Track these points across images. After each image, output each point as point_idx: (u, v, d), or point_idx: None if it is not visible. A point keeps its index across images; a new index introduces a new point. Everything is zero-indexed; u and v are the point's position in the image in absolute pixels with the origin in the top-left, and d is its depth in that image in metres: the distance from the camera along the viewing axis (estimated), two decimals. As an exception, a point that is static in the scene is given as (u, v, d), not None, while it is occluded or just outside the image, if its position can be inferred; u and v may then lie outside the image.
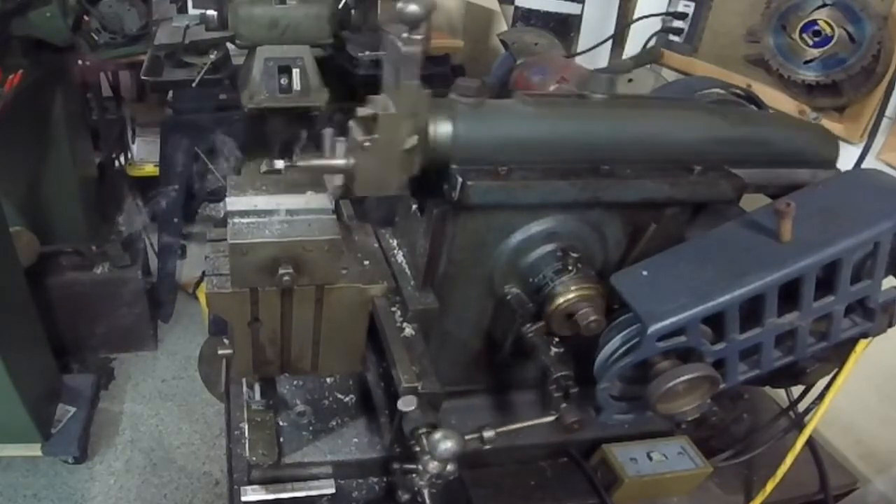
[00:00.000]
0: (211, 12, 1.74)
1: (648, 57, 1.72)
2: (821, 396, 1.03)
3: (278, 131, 1.80)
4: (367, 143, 0.77)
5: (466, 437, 0.88)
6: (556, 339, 0.92)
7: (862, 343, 0.93)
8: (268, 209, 0.81)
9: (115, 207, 2.76)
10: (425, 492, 0.84)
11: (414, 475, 0.85)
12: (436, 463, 0.80)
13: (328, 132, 0.79)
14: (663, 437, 1.11)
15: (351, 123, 0.81)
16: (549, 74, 1.47)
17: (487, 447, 0.87)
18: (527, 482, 1.08)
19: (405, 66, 0.75)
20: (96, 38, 2.06)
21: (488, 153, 0.86)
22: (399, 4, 0.73)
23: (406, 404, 0.83)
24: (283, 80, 1.71)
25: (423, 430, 0.85)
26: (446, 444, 0.78)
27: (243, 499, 0.98)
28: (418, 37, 0.75)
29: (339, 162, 0.79)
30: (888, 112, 1.29)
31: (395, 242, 1.09)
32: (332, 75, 1.85)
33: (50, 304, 2.27)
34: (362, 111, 0.79)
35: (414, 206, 0.98)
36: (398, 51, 0.75)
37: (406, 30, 0.75)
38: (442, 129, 0.83)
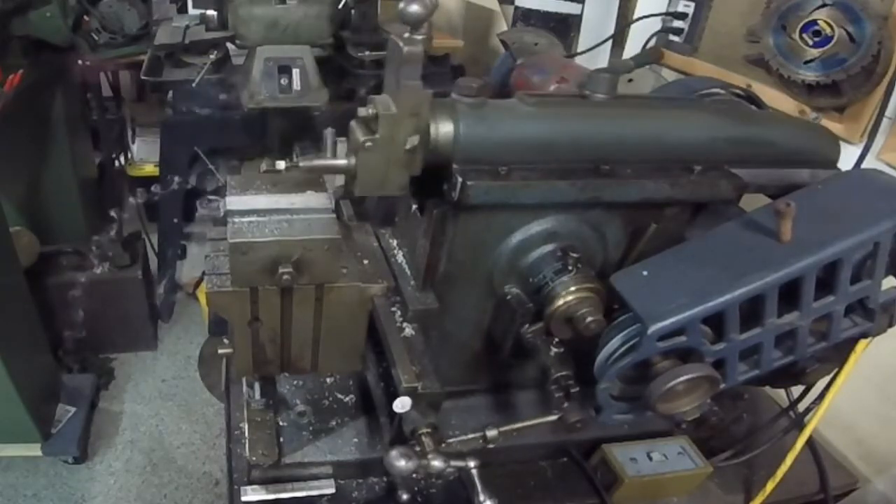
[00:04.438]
0: (211, 12, 1.74)
1: (649, 57, 1.72)
2: (821, 396, 1.03)
3: (278, 131, 1.81)
4: (368, 143, 0.77)
5: (469, 437, 0.88)
6: (556, 340, 0.92)
7: (862, 343, 0.93)
8: (268, 208, 0.81)
9: (114, 207, 2.76)
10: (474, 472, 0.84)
11: (415, 475, 0.85)
12: (437, 463, 0.80)
13: (329, 132, 0.80)
14: (663, 437, 1.11)
15: (352, 123, 0.81)
16: (549, 74, 1.47)
17: (491, 446, 0.88)
18: (527, 482, 1.08)
19: (407, 65, 0.75)
20: (96, 38, 2.06)
21: (490, 153, 0.86)
22: (401, 4, 0.73)
23: (401, 406, 0.83)
24: (283, 80, 1.71)
25: (424, 430, 0.85)
26: (401, 462, 0.79)
27: (243, 499, 0.98)
28: (420, 37, 0.75)
29: (341, 162, 0.79)
30: (888, 112, 1.29)
31: (395, 242, 1.09)
32: (332, 75, 1.85)
33: (50, 304, 2.27)
34: (363, 111, 0.79)
35: (414, 206, 0.98)
36: (400, 51, 0.75)
37: (408, 29, 0.75)
38: (443, 128, 0.83)
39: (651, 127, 0.94)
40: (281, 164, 0.77)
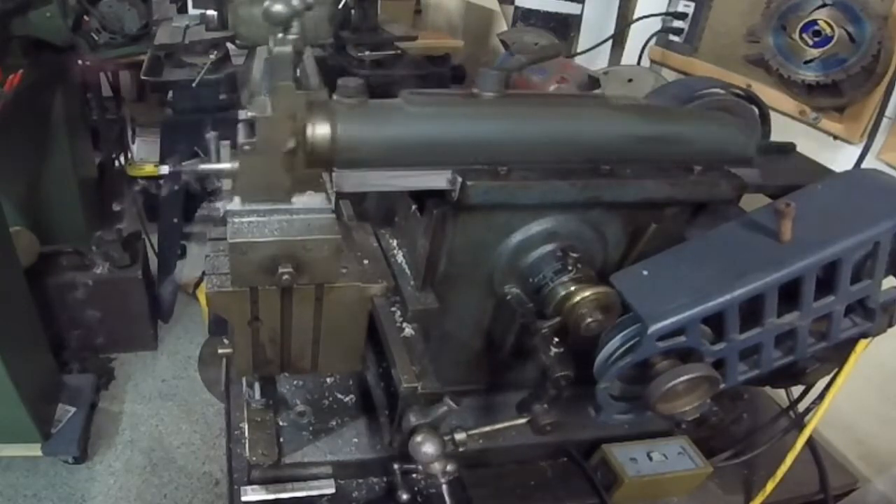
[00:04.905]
0: (211, 12, 1.74)
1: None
2: (821, 396, 1.03)
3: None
4: (247, 147, 0.76)
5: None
6: (556, 340, 0.92)
7: (862, 343, 0.93)
8: (268, 209, 0.81)
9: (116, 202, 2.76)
10: (444, 488, 0.84)
11: (415, 475, 0.85)
12: (436, 463, 0.80)
13: (212, 136, 0.79)
14: (663, 437, 1.11)
15: (238, 126, 0.81)
16: (548, 74, 1.48)
17: (461, 449, 0.87)
18: (527, 482, 1.08)
19: (278, 66, 0.74)
20: (96, 38, 2.06)
21: (371, 154, 0.84)
22: (265, 3, 0.73)
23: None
24: (283, 80, 1.71)
25: (425, 429, 0.85)
26: (426, 447, 0.79)
27: (243, 499, 0.98)
28: (291, 37, 0.74)
29: (224, 165, 0.79)
30: (888, 112, 1.29)
31: (395, 242, 1.09)
32: (332, 75, 1.85)
33: (50, 304, 2.27)
34: (243, 114, 0.79)
35: (414, 206, 0.98)
36: (270, 51, 0.74)
37: (279, 30, 0.74)
38: (320, 130, 0.81)
39: (544, 125, 0.90)
40: (166, 169, 0.77)
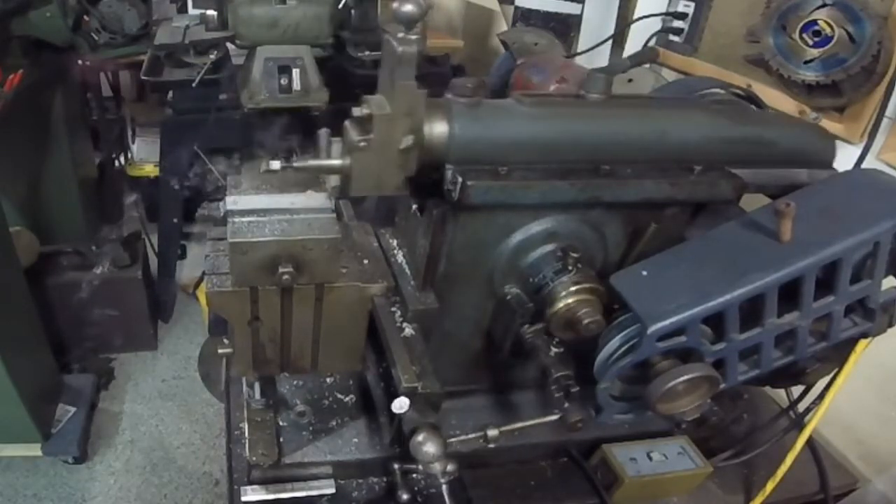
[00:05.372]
0: (211, 12, 1.74)
1: (646, 56, 1.72)
2: (821, 396, 1.03)
3: (278, 131, 1.81)
4: (362, 143, 0.77)
5: (470, 436, 0.88)
6: (556, 340, 0.92)
7: (862, 343, 0.93)
8: (268, 208, 0.81)
9: (115, 207, 2.76)
10: (444, 488, 0.84)
11: (415, 475, 0.85)
12: (438, 464, 0.80)
13: (324, 132, 0.79)
14: (663, 437, 1.11)
15: (346, 123, 0.81)
16: (549, 74, 1.48)
17: (491, 446, 0.88)
18: (527, 482, 1.08)
19: (401, 65, 0.75)
20: (96, 38, 2.06)
21: (485, 153, 0.86)
22: (395, 4, 0.73)
23: (399, 406, 0.83)
24: (283, 80, 1.71)
25: (425, 429, 0.85)
26: (428, 447, 0.79)
27: (243, 499, 0.98)
28: (414, 36, 0.75)
29: (336, 162, 0.79)
30: (888, 112, 1.29)
31: (395, 242, 1.09)
32: (332, 75, 1.85)
33: (50, 304, 2.27)
34: (358, 111, 0.79)
35: (414, 206, 0.98)
36: (395, 50, 0.75)
37: (402, 29, 0.75)
38: (438, 128, 0.82)
39: (648, 127, 0.93)
40: (276, 165, 0.77)
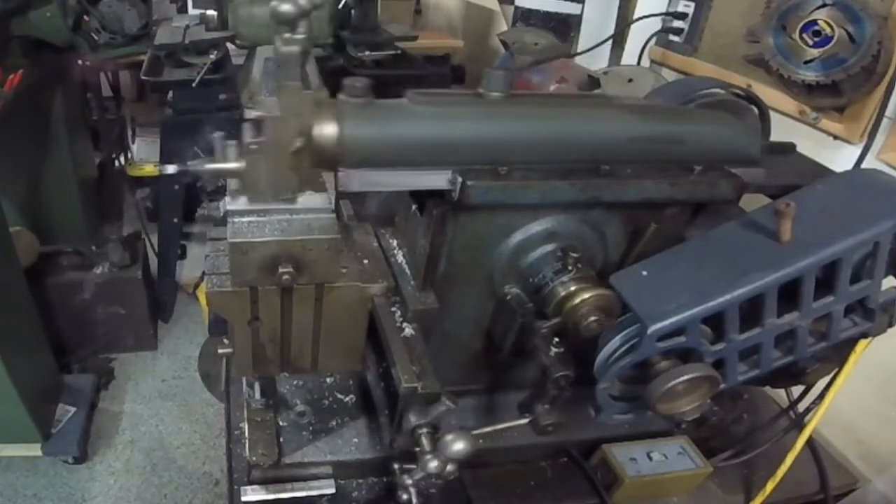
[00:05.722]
0: (211, 12, 1.74)
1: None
2: (821, 396, 1.03)
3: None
4: (253, 146, 0.76)
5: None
6: (556, 340, 0.92)
7: (862, 343, 0.93)
8: (268, 208, 0.81)
9: (115, 207, 2.76)
10: (412, 491, 0.84)
11: (405, 475, 0.85)
12: (435, 463, 0.80)
13: (218, 136, 0.79)
14: (663, 437, 1.11)
15: (244, 126, 0.81)
16: (548, 74, 1.48)
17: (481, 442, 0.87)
18: (527, 482, 1.08)
19: (286, 66, 0.74)
20: (96, 38, 2.06)
21: (377, 153, 0.83)
22: (272, 3, 0.72)
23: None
24: (283, 80, 1.71)
25: (425, 429, 0.85)
26: (458, 444, 0.78)
27: (243, 499, 0.98)
28: (299, 36, 0.74)
29: (231, 165, 0.79)
30: (888, 112, 1.29)
31: (395, 242, 1.09)
32: (332, 75, 1.85)
33: (50, 304, 2.27)
34: (251, 114, 0.79)
35: (414, 206, 0.98)
36: (278, 51, 0.74)
37: (286, 29, 0.74)
38: (327, 130, 0.80)
39: (548, 125, 0.90)
40: (171, 168, 0.77)
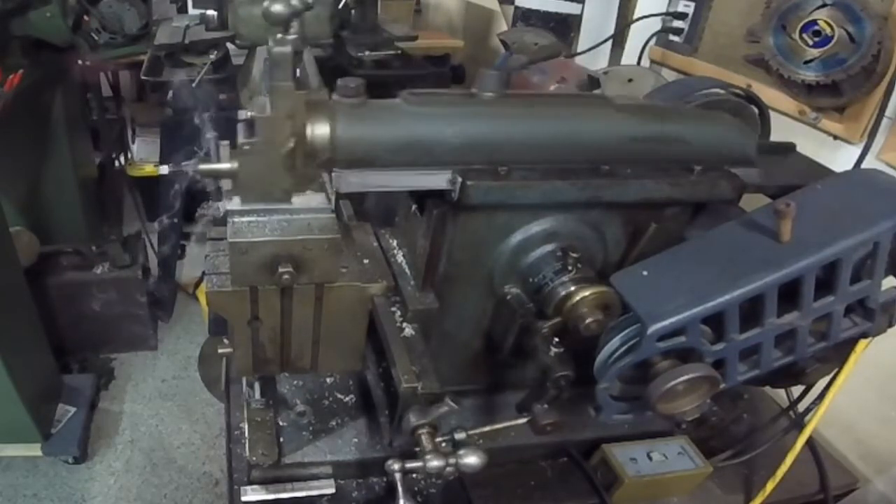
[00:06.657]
0: (211, 12, 1.74)
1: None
2: (821, 396, 1.03)
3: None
4: (246, 147, 0.76)
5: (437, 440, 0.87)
6: (556, 340, 0.92)
7: (862, 343, 0.93)
8: (267, 208, 0.81)
9: (115, 207, 2.76)
10: (399, 485, 0.83)
11: (415, 475, 0.85)
12: (436, 462, 0.80)
13: (212, 136, 0.79)
14: (663, 437, 1.11)
15: (238, 126, 0.81)
16: (548, 74, 1.48)
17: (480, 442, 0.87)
18: (527, 482, 1.08)
19: (277, 67, 0.74)
20: (96, 38, 2.06)
21: (371, 154, 0.83)
22: (265, 3, 0.72)
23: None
24: (283, 80, 1.71)
25: (425, 429, 0.85)
26: (471, 458, 0.78)
27: (243, 499, 0.98)
28: (291, 37, 0.74)
29: (224, 166, 0.78)
30: (888, 112, 1.29)
31: (395, 242, 1.09)
32: (332, 75, 1.85)
33: (50, 304, 2.27)
34: (244, 114, 0.79)
35: (414, 206, 0.98)
36: (269, 51, 0.74)
37: (279, 30, 0.74)
38: (320, 130, 0.80)
39: (543, 125, 0.90)
40: (164, 169, 0.77)
